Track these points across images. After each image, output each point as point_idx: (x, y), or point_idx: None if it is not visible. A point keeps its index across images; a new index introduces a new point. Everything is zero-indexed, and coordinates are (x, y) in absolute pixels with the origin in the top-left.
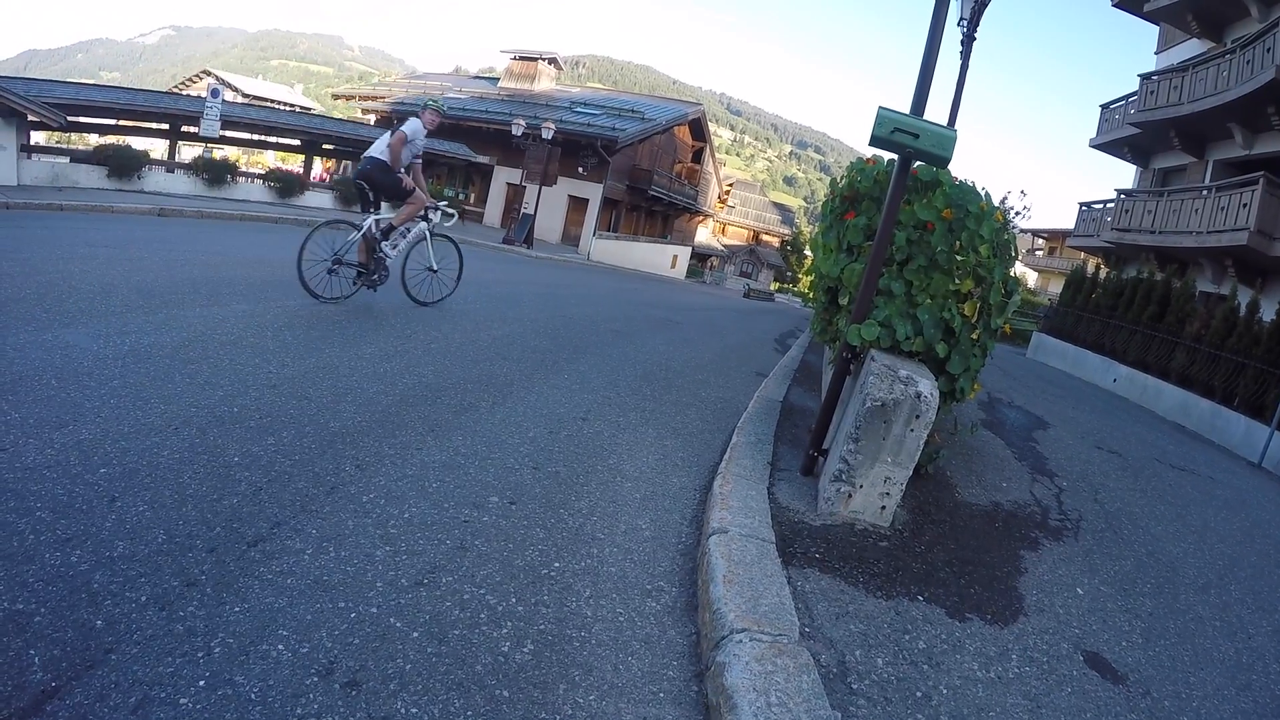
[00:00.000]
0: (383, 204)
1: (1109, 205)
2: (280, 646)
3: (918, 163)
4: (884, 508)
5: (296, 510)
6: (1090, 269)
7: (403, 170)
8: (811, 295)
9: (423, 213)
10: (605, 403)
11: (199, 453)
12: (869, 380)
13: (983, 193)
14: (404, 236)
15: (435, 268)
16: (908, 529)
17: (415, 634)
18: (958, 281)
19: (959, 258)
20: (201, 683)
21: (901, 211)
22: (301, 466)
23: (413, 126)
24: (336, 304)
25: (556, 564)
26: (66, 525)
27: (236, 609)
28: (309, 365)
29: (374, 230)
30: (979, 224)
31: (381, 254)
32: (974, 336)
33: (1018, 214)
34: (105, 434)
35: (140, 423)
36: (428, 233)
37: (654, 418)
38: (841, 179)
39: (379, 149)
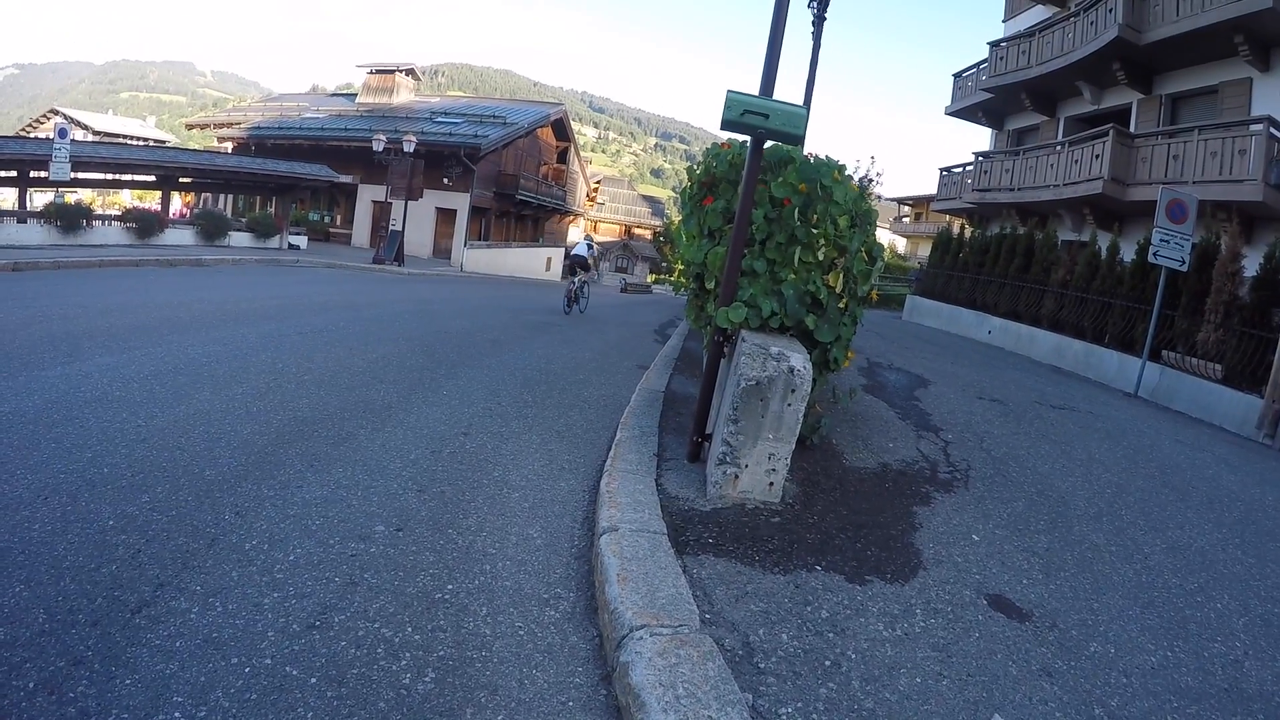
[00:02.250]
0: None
1: (968, 168)
2: (177, 715)
3: (771, 142)
4: (772, 484)
5: (178, 568)
6: (956, 230)
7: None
8: (684, 283)
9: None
10: (487, 414)
11: (72, 521)
12: (741, 361)
13: (839, 165)
14: (585, 285)
15: (587, 296)
16: (799, 501)
17: (313, 680)
18: (819, 254)
19: (816, 230)
20: None
21: (757, 191)
22: (179, 521)
23: (594, 248)
24: (567, 316)
25: (450, 586)
26: None
27: (127, 681)
28: (179, 414)
29: (576, 285)
30: (834, 195)
31: (582, 295)
32: (841, 306)
33: (871, 181)
34: None
35: (7, 497)
36: (588, 284)
37: (537, 423)
38: (698, 166)
39: (585, 251)
